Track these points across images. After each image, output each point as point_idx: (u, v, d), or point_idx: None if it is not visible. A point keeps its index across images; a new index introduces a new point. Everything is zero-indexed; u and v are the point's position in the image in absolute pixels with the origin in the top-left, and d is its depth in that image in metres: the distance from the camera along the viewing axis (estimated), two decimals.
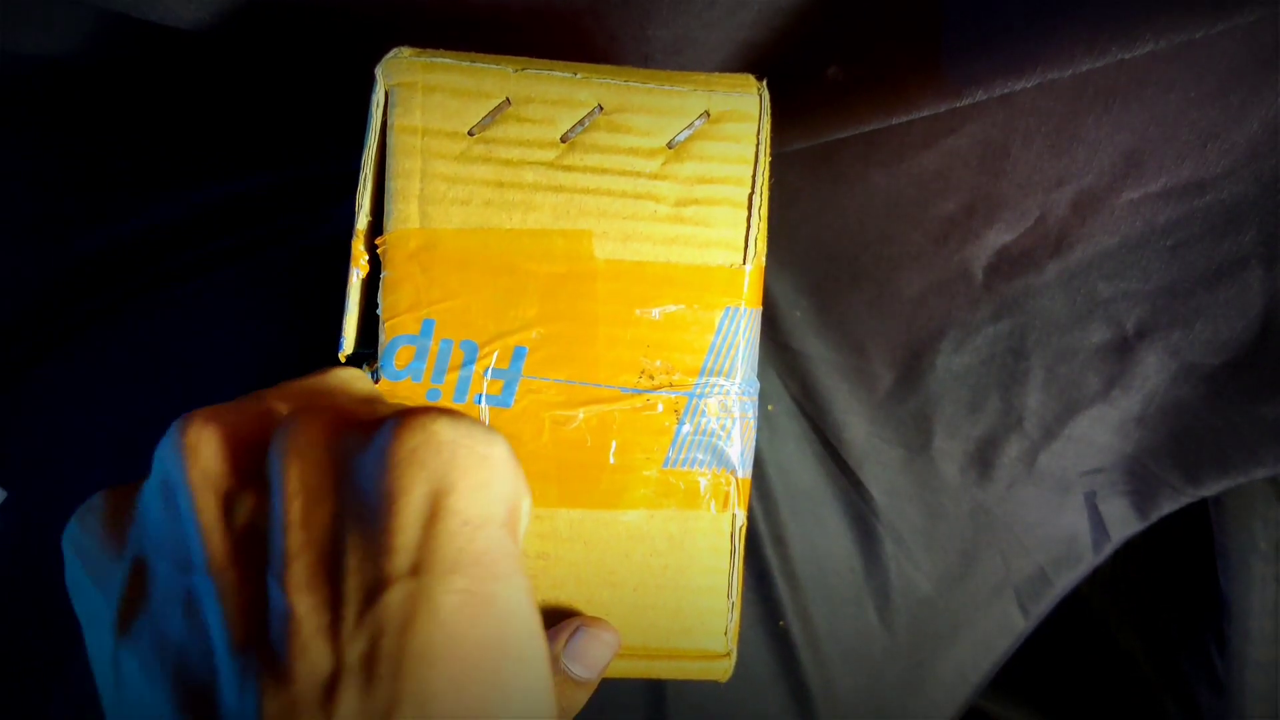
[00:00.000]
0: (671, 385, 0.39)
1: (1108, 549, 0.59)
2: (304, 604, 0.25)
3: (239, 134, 0.55)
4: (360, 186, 0.37)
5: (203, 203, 0.55)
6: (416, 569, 0.25)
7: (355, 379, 0.33)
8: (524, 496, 0.29)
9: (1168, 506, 0.57)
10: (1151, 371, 0.54)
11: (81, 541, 0.29)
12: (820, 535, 0.59)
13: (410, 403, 0.37)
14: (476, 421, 0.28)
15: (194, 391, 0.54)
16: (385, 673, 0.24)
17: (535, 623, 0.28)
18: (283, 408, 0.30)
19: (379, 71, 0.37)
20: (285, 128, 0.56)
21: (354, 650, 0.24)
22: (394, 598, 0.25)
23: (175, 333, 0.54)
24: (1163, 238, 0.50)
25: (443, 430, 0.26)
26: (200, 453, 0.27)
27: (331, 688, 0.24)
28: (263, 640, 0.25)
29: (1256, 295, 0.50)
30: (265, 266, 0.55)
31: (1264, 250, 0.49)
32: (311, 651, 0.24)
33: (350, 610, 0.25)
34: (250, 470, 0.27)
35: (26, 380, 0.54)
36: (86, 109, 0.52)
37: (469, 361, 0.37)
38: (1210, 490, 0.55)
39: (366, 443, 0.27)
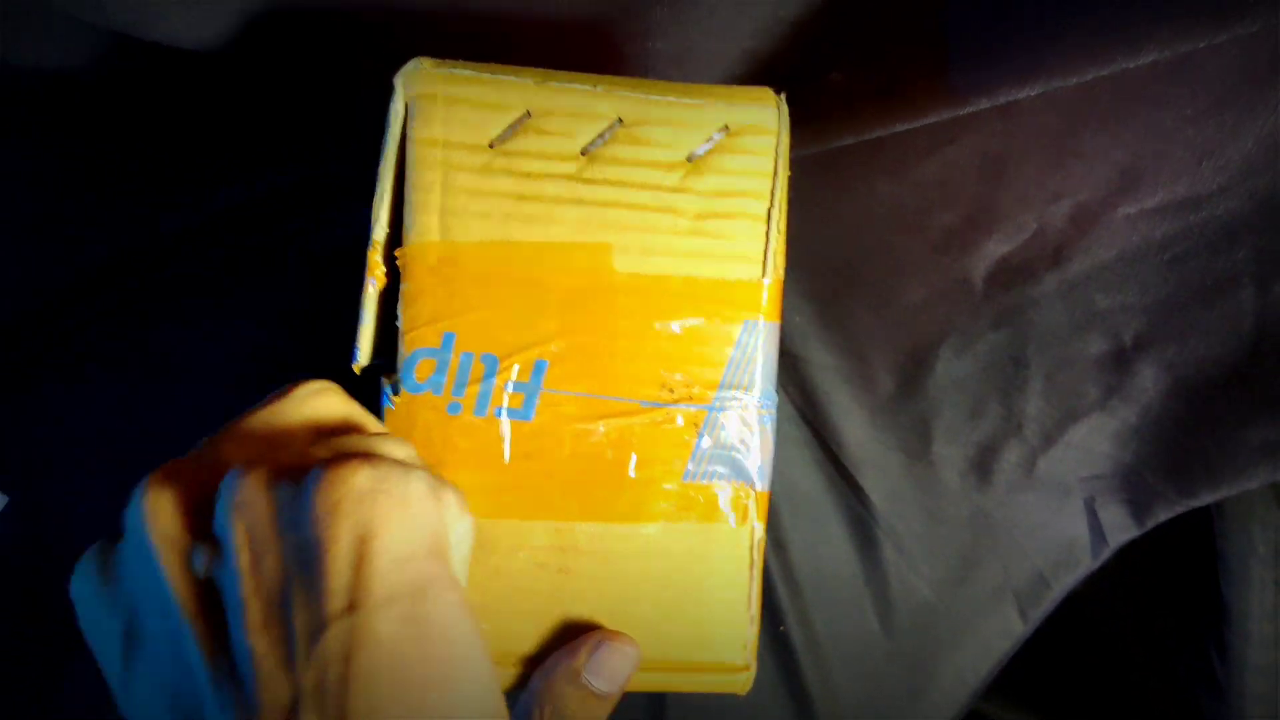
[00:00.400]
0: (691, 399, 0.39)
1: (1105, 553, 0.59)
2: (261, 644, 0.29)
3: (240, 141, 0.55)
4: (377, 198, 0.37)
5: (206, 210, 0.55)
6: (352, 606, 0.29)
7: (321, 404, 0.35)
8: (455, 522, 0.34)
9: (1164, 515, 0.57)
10: (1148, 384, 0.54)
11: (82, 594, 0.33)
12: (820, 540, 0.59)
13: (421, 418, 0.38)
14: (395, 464, 0.32)
15: (196, 398, 0.54)
16: (334, 694, 0.28)
17: (472, 628, 0.32)
18: (234, 454, 0.33)
19: (398, 82, 0.36)
20: (287, 135, 0.56)
21: (308, 680, 0.28)
22: (335, 633, 0.29)
23: (178, 339, 0.54)
24: (1160, 252, 0.50)
25: (362, 482, 0.30)
26: (159, 516, 0.31)
27: (292, 712, 0.28)
28: (234, 675, 0.29)
29: (1248, 314, 0.50)
30: (268, 273, 0.55)
31: (1256, 269, 0.49)
32: (273, 684, 0.28)
33: (301, 646, 0.29)
34: (205, 525, 0.31)
35: (30, 385, 0.54)
36: (91, 116, 0.52)
37: (489, 374, 0.37)
38: (1204, 501, 0.55)
39: (299, 495, 0.30)
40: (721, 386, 0.39)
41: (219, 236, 0.55)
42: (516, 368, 0.37)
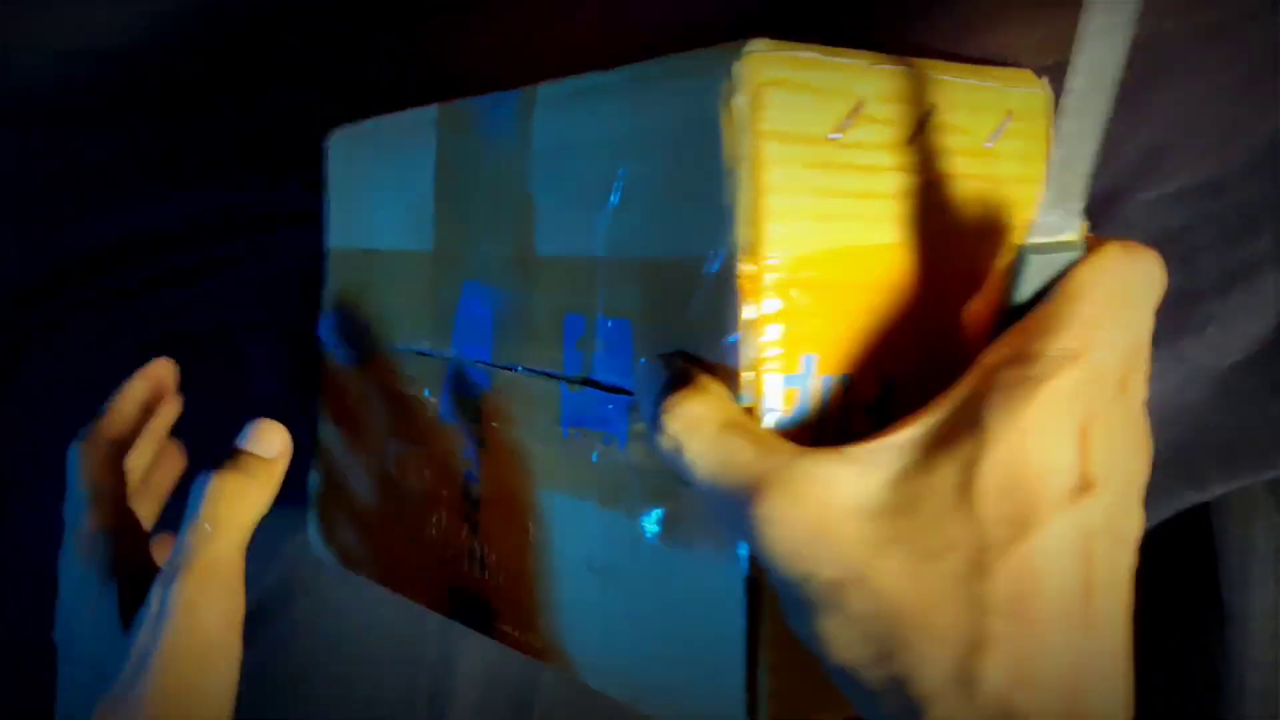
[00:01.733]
0: None
1: None
2: None
3: (235, 143, 0.52)
4: (737, 202, 0.30)
5: (198, 207, 0.52)
6: None
7: None
8: None
9: (1165, 513, 0.57)
10: (1154, 379, 0.55)
11: None
12: None
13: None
14: None
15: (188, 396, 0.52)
16: None
17: None
18: None
19: (735, 67, 0.30)
20: (282, 139, 0.52)
21: None
22: None
23: (171, 337, 0.52)
24: (1175, 244, 0.50)
25: None
26: None
27: None
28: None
29: (1270, 299, 0.51)
30: (258, 273, 0.54)
31: (1279, 254, 0.50)
32: None
33: None
34: None
35: (17, 378, 0.51)
36: (85, 109, 0.48)
37: (849, 399, 0.32)
38: (1215, 492, 0.56)
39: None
40: None
41: (209, 236, 0.52)
42: (873, 390, 0.32)
